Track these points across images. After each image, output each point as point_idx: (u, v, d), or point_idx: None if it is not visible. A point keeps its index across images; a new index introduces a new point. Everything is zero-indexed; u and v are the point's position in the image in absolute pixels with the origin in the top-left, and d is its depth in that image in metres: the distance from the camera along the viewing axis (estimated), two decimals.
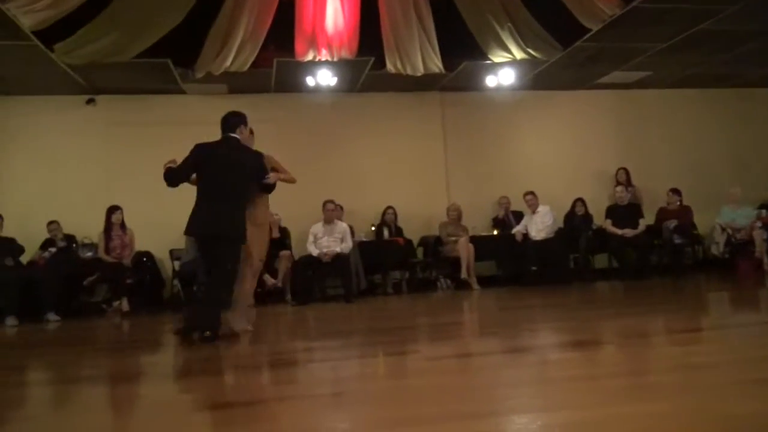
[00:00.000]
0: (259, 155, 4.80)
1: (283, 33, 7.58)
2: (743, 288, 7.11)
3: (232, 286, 4.60)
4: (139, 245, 8.12)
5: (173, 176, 4.59)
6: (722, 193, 8.96)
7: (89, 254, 7.96)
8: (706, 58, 8.48)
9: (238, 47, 7.48)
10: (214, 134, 4.81)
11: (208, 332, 4.43)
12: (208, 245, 4.63)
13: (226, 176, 4.56)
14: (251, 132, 5.01)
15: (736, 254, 8.45)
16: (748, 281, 7.60)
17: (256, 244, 4.90)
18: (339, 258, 7.81)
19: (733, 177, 9.54)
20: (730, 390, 2.51)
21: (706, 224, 8.97)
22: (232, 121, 4.72)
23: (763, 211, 8.73)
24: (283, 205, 8.23)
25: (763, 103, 10.12)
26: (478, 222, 9.16)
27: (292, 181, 5.09)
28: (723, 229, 8.59)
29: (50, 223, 7.98)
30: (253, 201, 4.85)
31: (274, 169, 4.99)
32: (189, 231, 4.56)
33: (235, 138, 4.69)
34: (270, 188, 4.90)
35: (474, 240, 8.60)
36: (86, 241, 8.07)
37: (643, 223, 8.64)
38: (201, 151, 4.62)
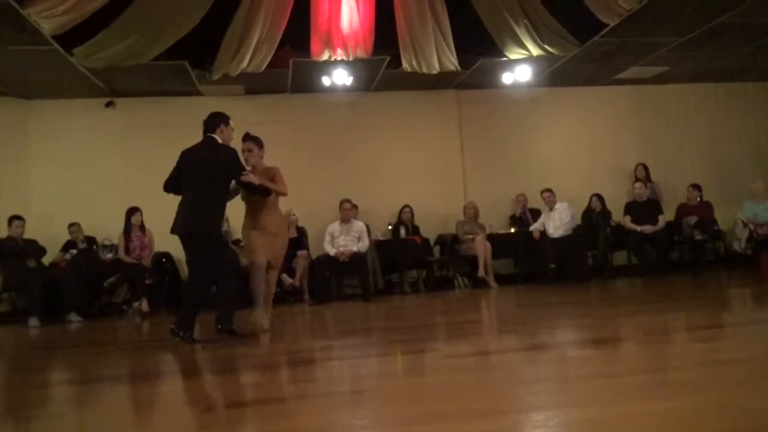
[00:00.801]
0: (232, 152, 4.77)
1: (298, 33, 7.61)
2: (765, 284, 7.01)
3: (208, 284, 4.71)
4: (159, 246, 8.19)
5: (166, 184, 4.82)
6: (744, 188, 8.84)
7: (109, 255, 8.04)
8: (725, 52, 8.36)
9: (254, 48, 7.51)
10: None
11: (225, 327, 4.61)
12: (185, 244, 4.79)
13: (198, 176, 4.64)
14: (257, 143, 5.08)
15: (758, 250, 8.33)
16: None
17: (264, 248, 4.96)
18: (356, 257, 7.83)
19: (755, 171, 9.41)
20: (752, 386, 2.48)
21: (728, 220, 8.85)
22: (212, 121, 4.79)
23: None
24: (300, 204, 8.29)
25: None
26: (495, 220, 9.12)
27: (281, 192, 5.03)
28: (745, 225, 8.47)
29: (71, 225, 8.08)
30: (264, 207, 4.98)
31: (274, 180, 4.99)
32: (172, 229, 4.69)
33: (212, 138, 4.75)
34: (252, 189, 4.86)
35: (491, 238, 8.57)
36: (106, 242, 8.16)
37: (662, 220, 8.55)
38: (183, 155, 4.80)
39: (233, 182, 4.84)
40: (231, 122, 4.90)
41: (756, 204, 8.57)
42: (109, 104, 8.92)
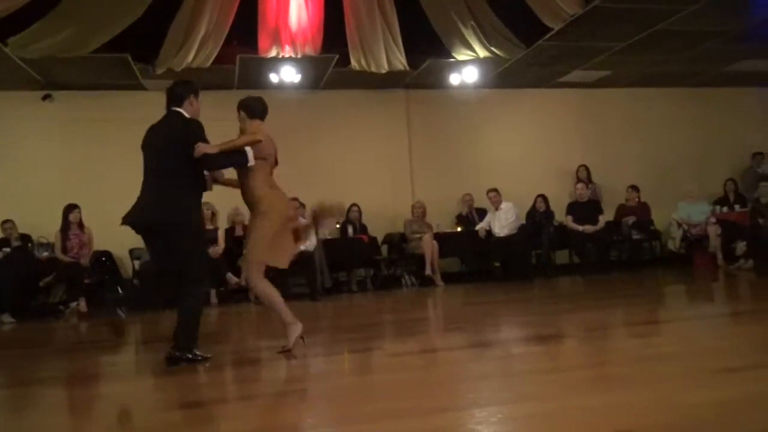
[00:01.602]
0: (195, 125, 3.81)
1: (246, 28, 7.50)
2: (698, 281, 7.32)
3: (189, 288, 3.67)
4: (99, 244, 7.94)
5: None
6: (679, 190, 9.19)
7: (45, 254, 7.74)
8: (664, 58, 8.67)
9: (200, 42, 7.36)
10: None
11: (177, 353, 3.56)
12: (145, 239, 3.90)
13: (160, 155, 3.77)
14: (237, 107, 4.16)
15: (691, 249, 8.69)
16: (703, 275, 7.82)
17: (256, 237, 3.85)
18: (303, 256, 7.77)
19: (690, 174, 9.79)
20: (687, 380, 2.58)
21: (664, 220, 9.19)
22: (177, 92, 3.89)
23: (718, 207, 9.00)
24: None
25: (718, 101, 10.38)
26: (442, 219, 9.20)
27: (238, 144, 3.84)
28: (679, 225, 8.81)
29: (5, 222, 7.74)
30: (247, 185, 3.91)
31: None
32: (123, 220, 3.77)
33: (176, 112, 3.84)
34: (210, 161, 3.74)
35: (438, 237, 8.65)
36: (42, 240, 7.85)
37: (602, 220, 8.80)
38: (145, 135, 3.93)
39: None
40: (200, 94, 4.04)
41: (690, 205, 8.92)
42: (46, 97, 8.58)
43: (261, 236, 3.83)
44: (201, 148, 3.65)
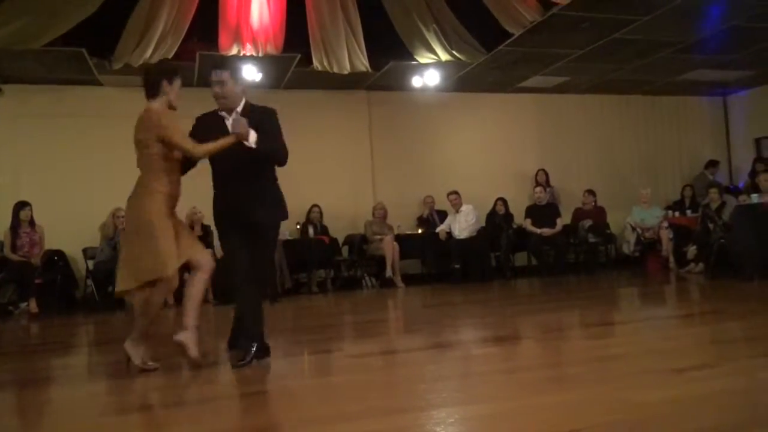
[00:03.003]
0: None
1: (206, 25, 7.39)
2: (651, 284, 7.52)
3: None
4: (51, 243, 7.71)
5: None
6: (633, 194, 9.43)
7: None
8: (619, 66, 8.89)
9: (158, 38, 7.23)
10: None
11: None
12: None
13: None
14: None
15: (645, 252, 8.92)
16: (656, 278, 8.03)
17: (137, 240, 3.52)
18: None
19: (644, 179, 10.08)
20: (639, 379, 2.66)
21: (619, 224, 9.42)
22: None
23: (670, 212, 9.26)
24: (205, 203, 8.04)
25: (671, 109, 10.72)
26: (403, 221, 9.25)
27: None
28: (633, 229, 9.04)
29: None
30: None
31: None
32: None
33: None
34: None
35: (399, 238, 8.69)
36: None
37: (560, 223, 8.98)
38: None
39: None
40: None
41: (644, 209, 9.16)
42: None
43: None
44: None
